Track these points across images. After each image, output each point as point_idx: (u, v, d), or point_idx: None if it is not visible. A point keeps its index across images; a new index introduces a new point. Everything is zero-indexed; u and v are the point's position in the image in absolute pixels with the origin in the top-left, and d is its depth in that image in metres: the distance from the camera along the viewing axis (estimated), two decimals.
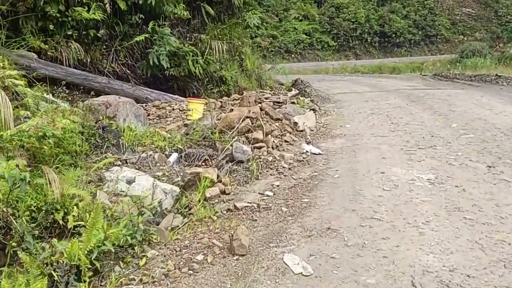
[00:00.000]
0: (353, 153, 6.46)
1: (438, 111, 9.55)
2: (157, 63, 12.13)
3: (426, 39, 41.69)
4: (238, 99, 8.86)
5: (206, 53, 13.05)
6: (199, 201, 4.83)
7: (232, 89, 14.52)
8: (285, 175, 5.65)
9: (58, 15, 11.69)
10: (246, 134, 6.69)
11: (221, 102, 8.86)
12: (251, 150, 6.16)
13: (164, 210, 5.31)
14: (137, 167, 6.11)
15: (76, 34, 12.13)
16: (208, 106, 8.76)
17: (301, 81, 13.96)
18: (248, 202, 4.68)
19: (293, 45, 38.40)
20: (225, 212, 4.56)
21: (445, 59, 32.04)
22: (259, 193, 5.04)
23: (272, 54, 37.99)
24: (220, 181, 5.20)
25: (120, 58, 12.82)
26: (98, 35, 12.22)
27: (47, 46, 11.79)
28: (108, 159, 5.89)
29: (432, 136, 7.43)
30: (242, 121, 6.99)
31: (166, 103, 9.43)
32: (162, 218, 5.14)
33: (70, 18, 11.77)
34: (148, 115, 8.31)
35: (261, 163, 5.88)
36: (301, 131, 7.29)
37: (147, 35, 12.25)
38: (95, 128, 6.45)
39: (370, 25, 40.06)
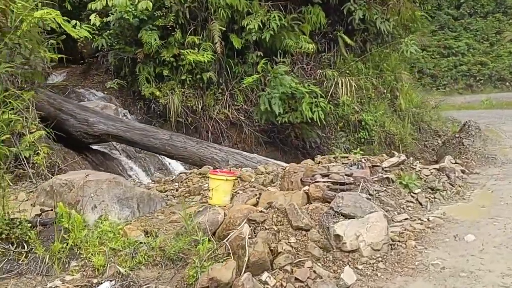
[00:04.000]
0: None
1: None
2: (268, 108, 9.39)
3: None
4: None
5: (330, 93, 9.72)
6: None
7: (375, 136, 10.68)
8: None
9: (172, 59, 10.06)
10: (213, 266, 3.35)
11: (283, 170, 5.45)
12: None
13: None
14: None
15: (190, 79, 10.34)
16: (255, 179, 5.48)
17: (469, 126, 9.25)
18: None
19: (507, 71, 30.52)
20: None
21: None
22: None
23: (480, 83, 30.89)
24: None
25: (236, 103, 10.51)
26: (211, 78, 10.18)
27: (160, 92, 10.31)
28: None
29: None
30: (243, 226, 3.69)
31: (225, 168, 6.48)
32: None
33: (184, 62, 10.03)
34: (176, 190, 5.56)
35: None
36: (351, 252, 3.52)
37: (256, 76, 9.64)
38: (28, 225, 4.00)
39: None
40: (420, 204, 4.70)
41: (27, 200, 4.55)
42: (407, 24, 12.25)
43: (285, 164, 6.89)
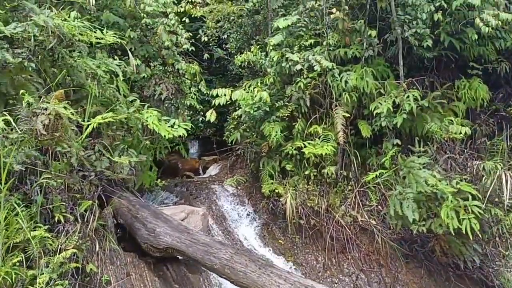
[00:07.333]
0: None
1: None
2: (400, 212, 7.13)
3: None
4: None
5: (490, 192, 6.88)
6: None
7: None
8: None
9: (296, 152, 8.85)
10: None
11: None
12: None
13: None
14: None
15: (315, 173, 8.82)
16: None
17: None
18: None
19: None
20: None
21: None
22: None
23: None
24: None
25: (367, 203, 8.46)
26: (333, 172, 8.47)
27: (283, 189, 9.07)
28: None
29: None
30: None
31: None
32: None
33: (308, 155, 8.67)
34: None
35: None
36: None
37: (383, 172, 7.56)
38: None
39: None
40: None
41: None
42: None
43: None
